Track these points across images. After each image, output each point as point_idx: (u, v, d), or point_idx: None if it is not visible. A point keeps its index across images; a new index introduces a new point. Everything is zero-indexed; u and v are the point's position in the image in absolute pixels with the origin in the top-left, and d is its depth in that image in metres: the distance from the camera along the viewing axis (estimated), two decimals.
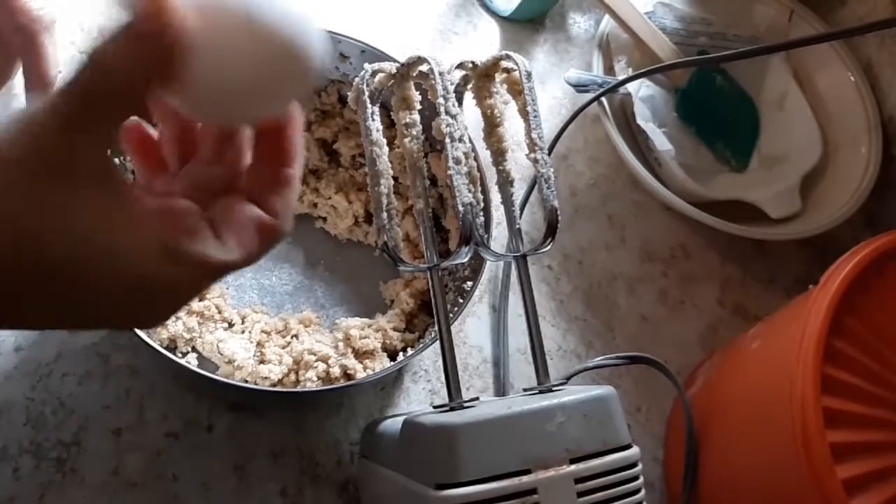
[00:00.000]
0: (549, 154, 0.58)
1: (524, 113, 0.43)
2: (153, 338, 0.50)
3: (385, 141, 0.42)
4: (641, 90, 0.70)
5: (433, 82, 0.41)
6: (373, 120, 0.42)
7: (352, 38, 0.56)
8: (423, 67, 0.42)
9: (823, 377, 0.44)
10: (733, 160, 0.73)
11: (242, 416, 0.53)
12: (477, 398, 0.41)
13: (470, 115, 0.44)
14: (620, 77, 0.68)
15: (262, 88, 0.27)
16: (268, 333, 0.54)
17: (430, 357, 0.58)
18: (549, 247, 0.42)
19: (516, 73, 0.44)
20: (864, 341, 0.46)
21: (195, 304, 0.54)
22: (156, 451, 0.51)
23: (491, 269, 0.63)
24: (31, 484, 0.48)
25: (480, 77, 0.45)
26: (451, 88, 0.42)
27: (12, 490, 0.48)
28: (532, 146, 0.43)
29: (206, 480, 0.51)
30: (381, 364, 0.53)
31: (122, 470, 0.50)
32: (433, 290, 0.42)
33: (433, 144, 0.57)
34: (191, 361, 0.52)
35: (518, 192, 0.46)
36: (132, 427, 0.51)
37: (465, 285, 0.53)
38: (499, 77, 0.45)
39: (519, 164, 0.65)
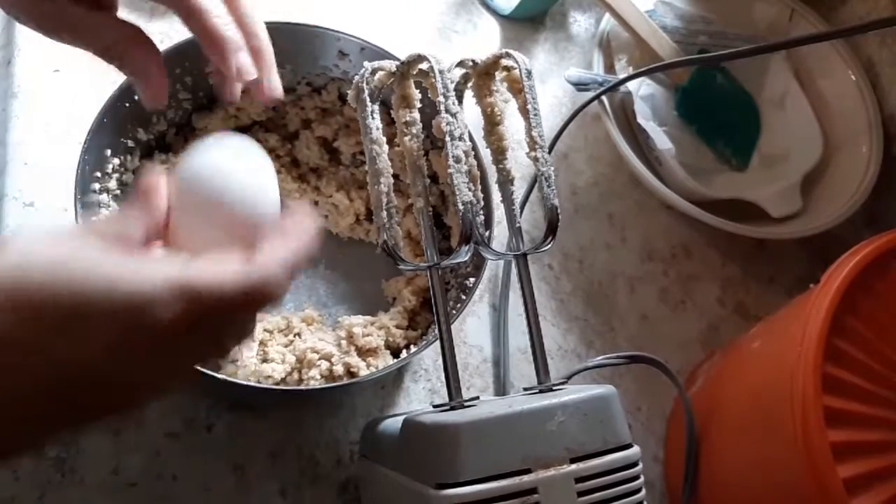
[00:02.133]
0: (550, 153, 0.58)
1: (524, 111, 0.43)
2: None
3: (385, 139, 0.42)
4: (642, 89, 0.70)
5: (433, 80, 0.41)
6: (373, 118, 0.42)
7: (352, 36, 0.56)
8: (423, 65, 0.42)
9: (824, 376, 0.44)
10: (734, 159, 0.73)
11: (242, 415, 0.53)
12: (477, 397, 0.41)
13: (470, 114, 0.44)
14: (621, 76, 0.68)
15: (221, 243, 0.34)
16: (270, 332, 0.54)
17: (431, 356, 0.58)
18: (549, 246, 0.42)
19: (516, 71, 0.44)
20: (865, 340, 0.46)
21: None
22: (155, 451, 0.51)
23: (491, 268, 0.63)
24: (31, 484, 0.48)
25: (480, 75, 0.45)
26: (452, 87, 0.42)
27: (12, 490, 0.48)
28: (532, 145, 0.42)
29: (206, 480, 0.51)
30: (385, 361, 0.53)
31: (122, 470, 0.50)
32: (433, 289, 0.42)
33: (434, 142, 0.57)
34: None
35: (518, 190, 0.46)
36: (131, 427, 0.51)
37: (467, 282, 0.53)
38: (499, 75, 0.45)
39: (519, 162, 0.65)
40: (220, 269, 0.30)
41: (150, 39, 0.39)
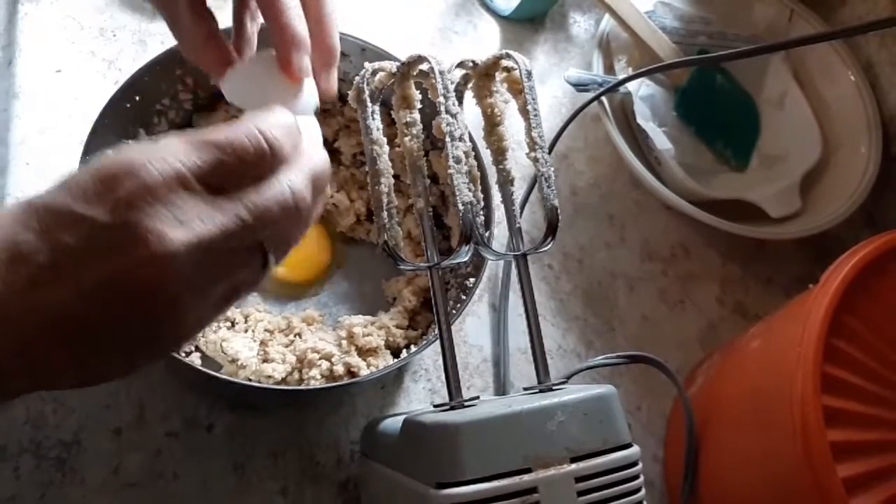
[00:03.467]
0: (550, 153, 0.58)
1: (524, 112, 0.43)
2: None
3: (385, 140, 0.42)
4: (641, 89, 0.70)
5: (433, 81, 0.41)
6: (373, 119, 0.42)
7: (352, 37, 0.56)
8: (424, 66, 0.42)
9: (823, 376, 0.44)
10: (733, 159, 0.73)
11: (242, 415, 0.53)
12: (477, 397, 0.41)
13: (470, 114, 0.44)
14: (620, 76, 0.68)
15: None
16: (271, 332, 0.54)
17: (431, 356, 0.59)
18: (549, 246, 0.42)
19: (516, 72, 0.44)
20: (864, 340, 0.46)
21: None
22: (156, 451, 0.51)
23: (491, 268, 0.63)
24: (32, 483, 0.48)
25: (481, 76, 0.45)
26: (452, 87, 0.42)
27: (12, 489, 0.48)
28: (532, 145, 0.43)
29: (206, 480, 0.51)
30: (385, 361, 0.53)
31: (122, 469, 0.50)
32: (433, 289, 0.42)
33: (434, 142, 0.57)
34: (194, 361, 0.51)
35: (518, 191, 0.46)
36: (132, 426, 0.51)
37: (467, 282, 0.53)
38: (499, 76, 0.45)
39: (519, 163, 0.65)
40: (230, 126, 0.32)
41: (223, 40, 0.42)
